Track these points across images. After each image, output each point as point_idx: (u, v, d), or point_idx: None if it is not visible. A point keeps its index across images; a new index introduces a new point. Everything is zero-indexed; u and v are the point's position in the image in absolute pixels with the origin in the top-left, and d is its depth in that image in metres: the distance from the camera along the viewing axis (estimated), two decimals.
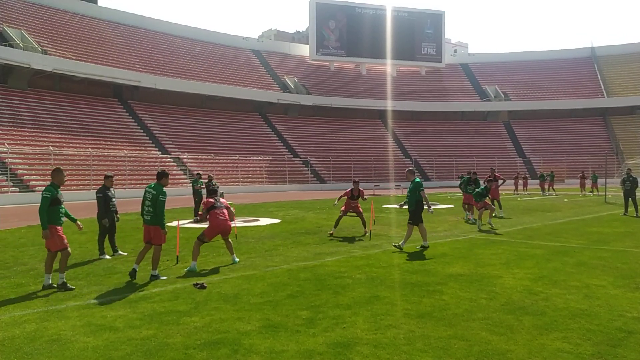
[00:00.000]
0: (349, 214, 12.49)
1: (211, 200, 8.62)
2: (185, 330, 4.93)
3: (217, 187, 12.69)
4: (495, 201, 16.72)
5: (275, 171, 45.80)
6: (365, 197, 12.28)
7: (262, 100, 53.76)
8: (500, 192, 17.59)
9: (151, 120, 44.77)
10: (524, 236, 11.73)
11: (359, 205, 12.37)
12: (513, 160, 55.24)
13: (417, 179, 10.05)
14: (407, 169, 10.70)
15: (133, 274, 7.33)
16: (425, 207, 9.99)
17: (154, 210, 7.26)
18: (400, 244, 9.81)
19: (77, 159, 34.43)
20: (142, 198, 7.57)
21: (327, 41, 63.74)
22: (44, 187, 6.93)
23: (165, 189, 7.45)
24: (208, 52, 56.85)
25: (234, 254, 8.65)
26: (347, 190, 12.22)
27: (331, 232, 12.02)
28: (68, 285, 6.80)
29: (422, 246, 9.91)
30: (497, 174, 17.28)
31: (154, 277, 7.33)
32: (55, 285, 6.81)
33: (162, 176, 7.50)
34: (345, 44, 64.29)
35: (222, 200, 8.71)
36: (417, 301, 5.89)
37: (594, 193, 31.10)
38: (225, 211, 8.49)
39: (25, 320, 5.34)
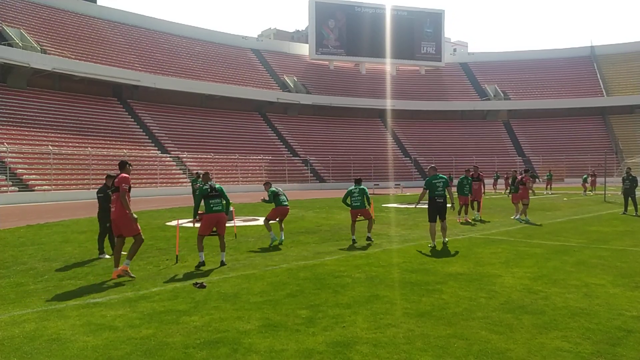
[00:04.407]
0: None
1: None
2: (184, 329, 4.93)
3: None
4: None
5: (274, 170, 45.79)
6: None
7: (262, 100, 53.75)
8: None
9: (151, 119, 44.74)
10: (523, 235, 11.72)
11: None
12: (512, 160, 55.24)
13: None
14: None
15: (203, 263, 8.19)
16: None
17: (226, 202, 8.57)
18: None
19: (76, 158, 34.41)
20: (222, 197, 8.43)
21: (327, 40, 63.72)
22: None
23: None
24: (207, 52, 56.81)
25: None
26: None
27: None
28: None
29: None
30: (480, 173, 16.51)
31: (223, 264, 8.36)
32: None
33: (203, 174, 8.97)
34: (344, 43, 64.26)
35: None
36: (416, 300, 5.89)
37: (587, 191, 30.80)
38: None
39: (24, 319, 5.33)
